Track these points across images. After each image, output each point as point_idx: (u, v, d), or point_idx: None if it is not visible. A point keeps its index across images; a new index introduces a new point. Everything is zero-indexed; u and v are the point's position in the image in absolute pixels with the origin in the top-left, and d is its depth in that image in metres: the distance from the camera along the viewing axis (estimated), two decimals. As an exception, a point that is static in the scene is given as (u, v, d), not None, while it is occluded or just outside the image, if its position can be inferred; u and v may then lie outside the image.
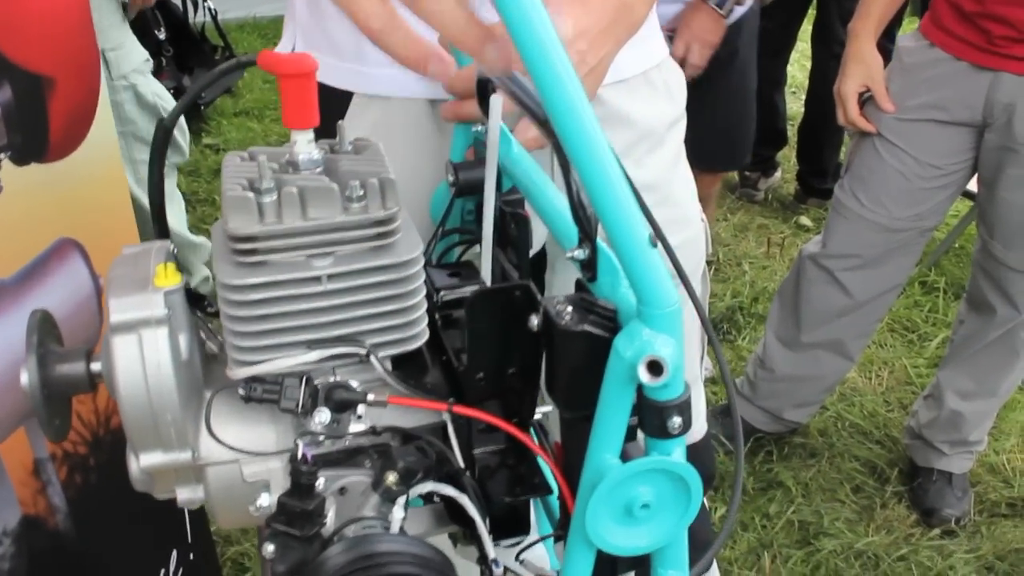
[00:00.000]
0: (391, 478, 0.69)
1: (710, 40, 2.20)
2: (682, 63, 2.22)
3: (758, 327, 2.91)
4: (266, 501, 0.75)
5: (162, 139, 0.82)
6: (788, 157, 3.87)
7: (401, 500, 0.67)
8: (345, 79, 1.10)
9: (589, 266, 0.68)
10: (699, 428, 1.38)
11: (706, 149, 2.51)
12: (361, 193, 0.74)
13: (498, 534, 0.80)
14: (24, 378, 0.75)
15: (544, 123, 0.69)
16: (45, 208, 1.19)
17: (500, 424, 0.73)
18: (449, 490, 0.72)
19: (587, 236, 0.67)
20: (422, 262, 0.77)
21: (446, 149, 1.04)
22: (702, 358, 1.36)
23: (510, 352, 0.73)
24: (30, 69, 1.13)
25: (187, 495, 0.81)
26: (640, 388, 0.63)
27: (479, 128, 0.94)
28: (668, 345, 0.60)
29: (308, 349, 0.75)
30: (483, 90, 0.88)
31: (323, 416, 0.74)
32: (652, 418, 0.63)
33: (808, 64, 3.64)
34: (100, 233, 1.28)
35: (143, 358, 0.72)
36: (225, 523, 0.81)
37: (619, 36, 0.96)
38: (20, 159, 1.14)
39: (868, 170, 2.05)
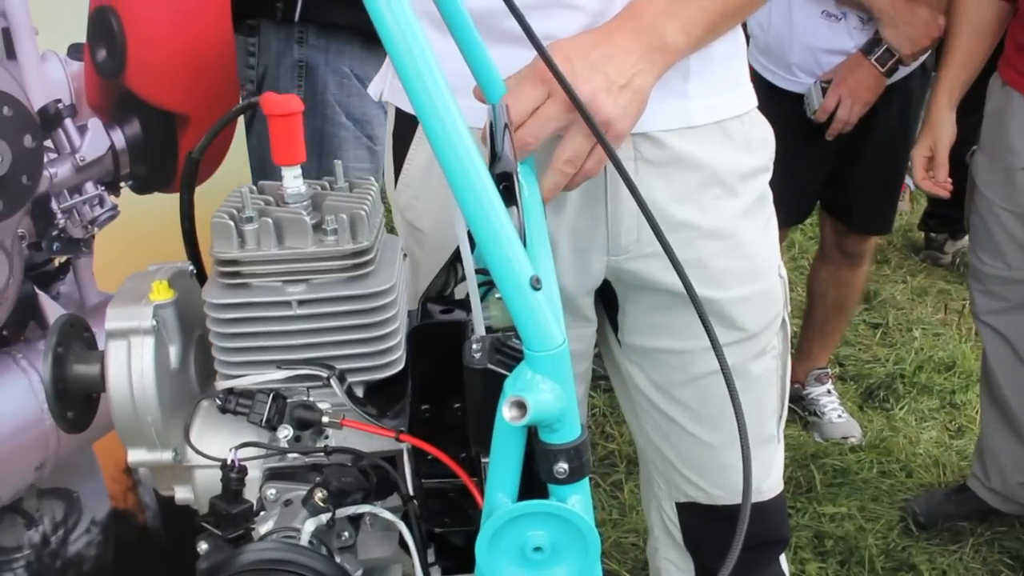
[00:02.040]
0: (318, 495, 0.73)
1: (865, 97, 2.11)
2: (831, 117, 2.14)
3: (920, 398, 2.72)
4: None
5: (191, 170, 0.90)
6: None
7: (313, 520, 0.71)
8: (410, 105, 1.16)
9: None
10: (770, 487, 1.33)
11: (857, 211, 2.41)
12: (335, 227, 0.79)
13: (453, 567, 0.82)
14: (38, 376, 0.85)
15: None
16: (164, 235, 1.32)
17: (438, 455, 0.75)
18: (385, 513, 0.75)
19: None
20: (394, 295, 0.81)
21: None
22: (780, 418, 1.31)
23: (451, 386, 0.75)
24: (162, 106, 1.27)
25: (183, 494, 0.88)
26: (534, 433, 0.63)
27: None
28: (545, 388, 0.60)
29: (277, 368, 0.80)
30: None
31: (285, 432, 0.79)
32: (541, 461, 0.64)
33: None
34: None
35: (129, 363, 0.79)
36: (215, 523, 0.88)
37: (645, 55, 0.97)
38: (142, 188, 1.28)
39: (976, 227, 1.98)
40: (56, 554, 1.24)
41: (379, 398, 0.83)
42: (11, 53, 1.08)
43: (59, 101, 1.14)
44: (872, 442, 2.55)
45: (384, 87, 1.21)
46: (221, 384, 0.81)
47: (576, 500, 0.65)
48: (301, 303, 0.79)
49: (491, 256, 0.60)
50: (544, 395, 0.60)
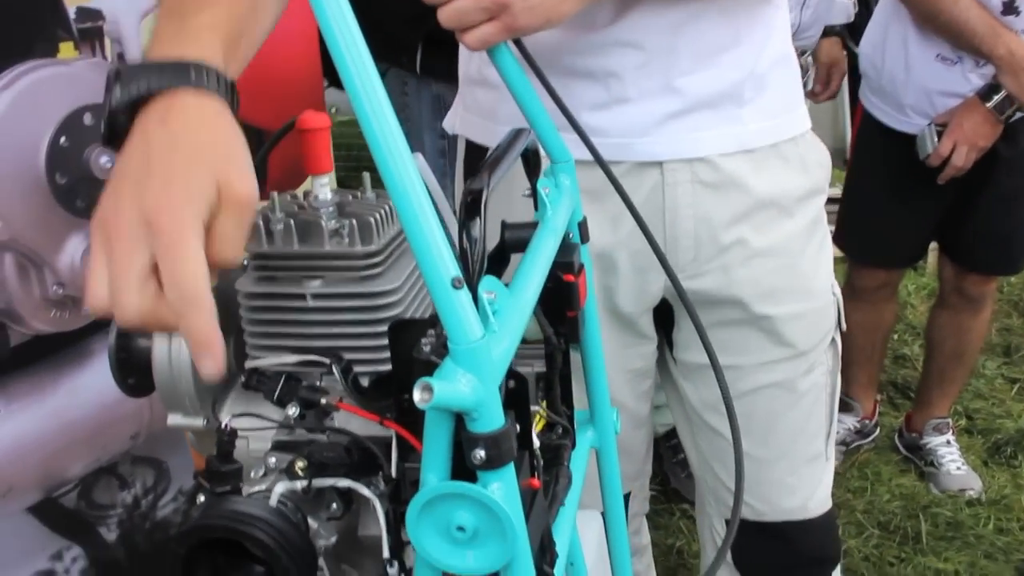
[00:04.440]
0: (298, 464, 0.82)
1: (980, 144, 2.04)
2: (945, 161, 2.08)
3: (1050, 454, 2.57)
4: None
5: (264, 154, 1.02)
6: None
7: (284, 483, 0.80)
8: (482, 135, 1.26)
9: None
10: (817, 505, 1.34)
11: (977, 251, 2.33)
12: (348, 230, 0.89)
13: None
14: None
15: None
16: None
17: (410, 439, 0.83)
18: (361, 488, 0.83)
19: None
20: (399, 296, 0.90)
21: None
22: (829, 435, 1.32)
23: (430, 379, 0.82)
24: (251, 123, 1.42)
25: (220, 461, 1.00)
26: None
27: (524, 193, 1.04)
28: (463, 379, 0.67)
29: (292, 354, 0.90)
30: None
31: (293, 409, 0.89)
32: (465, 447, 0.70)
33: None
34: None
35: (169, 340, 0.92)
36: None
37: None
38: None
39: None
40: (145, 516, 1.40)
41: (383, 391, 0.92)
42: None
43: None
44: (992, 497, 2.45)
45: (456, 121, 1.32)
46: (248, 364, 0.92)
47: (497, 487, 0.71)
48: (315, 296, 0.89)
49: (418, 255, 0.66)
50: (459, 385, 0.66)
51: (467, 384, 0.67)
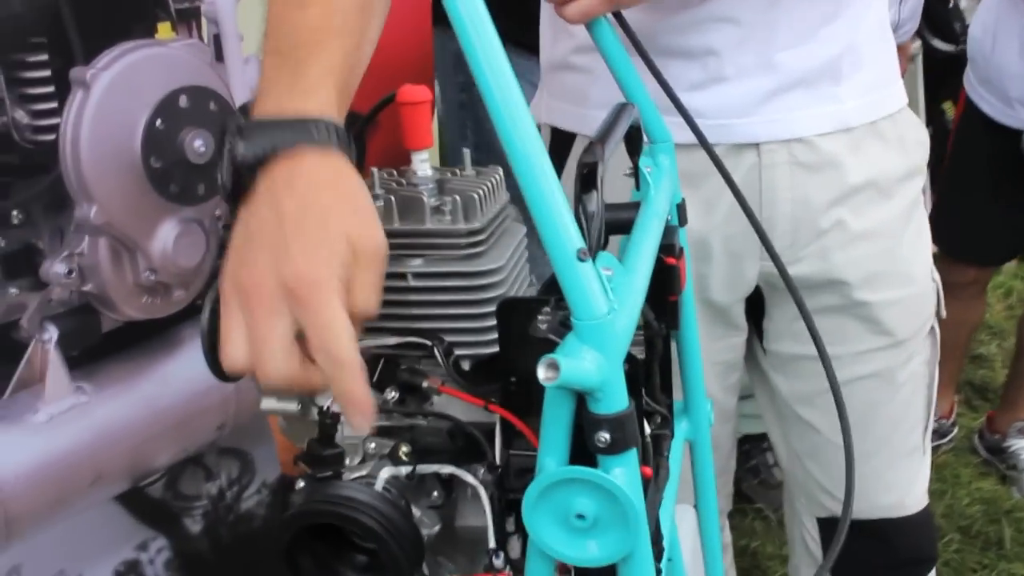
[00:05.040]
0: (403, 449, 0.79)
1: None
2: None
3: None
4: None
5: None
6: None
7: (389, 468, 0.76)
8: (570, 121, 1.22)
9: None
10: (913, 502, 1.29)
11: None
12: (450, 207, 0.85)
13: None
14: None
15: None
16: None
17: (518, 424, 0.79)
18: (464, 475, 0.80)
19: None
20: (502, 276, 0.86)
21: None
22: (927, 428, 1.26)
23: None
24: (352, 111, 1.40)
25: (313, 448, 0.97)
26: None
27: (626, 173, 1.00)
28: (587, 356, 0.63)
29: (391, 336, 0.87)
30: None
31: (392, 394, 0.86)
32: (587, 430, 0.66)
33: None
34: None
35: (265, 319, 0.89)
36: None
37: None
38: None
39: None
40: (230, 508, 1.38)
41: (486, 375, 0.88)
42: (220, 56, 1.24)
43: (259, 100, 1.29)
44: None
45: (542, 110, 1.29)
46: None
47: (620, 473, 0.66)
48: (416, 276, 0.86)
49: (541, 227, 0.63)
50: (584, 363, 0.63)
51: (592, 362, 0.63)
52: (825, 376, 1.19)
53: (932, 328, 1.26)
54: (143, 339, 1.23)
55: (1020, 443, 2.47)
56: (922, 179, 1.21)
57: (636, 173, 0.97)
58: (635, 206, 0.96)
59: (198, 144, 1.20)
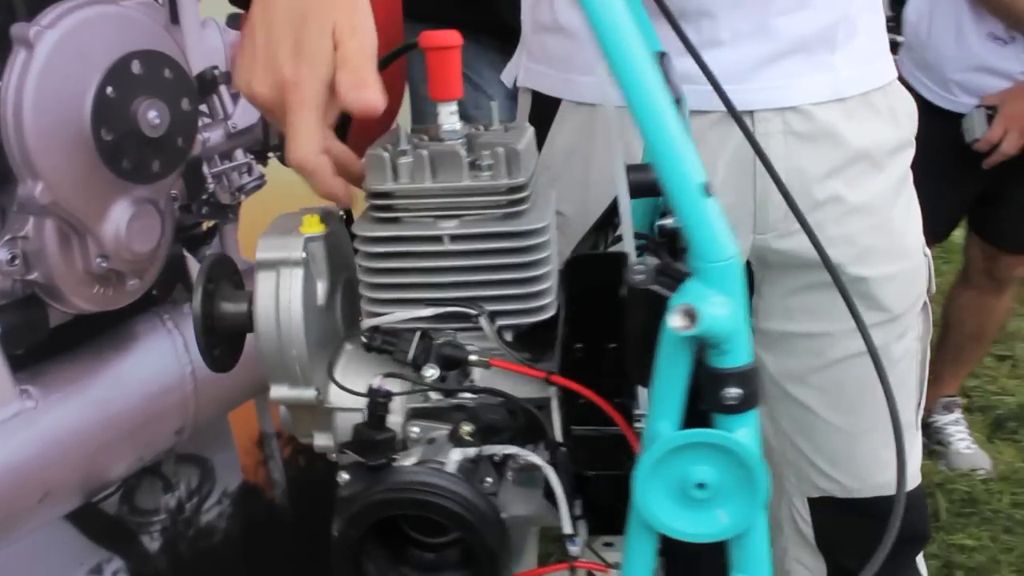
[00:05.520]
0: (466, 428, 0.70)
1: None
2: (995, 146, 2.03)
3: (1050, 429, 2.59)
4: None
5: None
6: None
7: (459, 450, 0.68)
8: (555, 86, 1.15)
9: (676, 236, 0.65)
10: (909, 478, 1.27)
11: (1010, 232, 2.27)
12: (490, 162, 0.77)
13: (594, 528, 0.77)
14: (189, 308, 0.85)
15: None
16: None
17: (593, 397, 0.71)
18: (531, 456, 0.71)
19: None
20: (548, 236, 0.78)
21: None
22: (919, 405, 1.25)
23: (607, 325, 0.71)
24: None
25: (321, 441, 0.86)
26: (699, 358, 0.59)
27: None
28: (717, 301, 0.56)
29: (427, 306, 0.78)
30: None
31: (432, 371, 0.76)
32: (709, 387, 0.59)
33: None
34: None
35: (277, 294, 0.78)
36: (350, 473, 0.86)
37: None
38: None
39: None
40: (190, 522, 1.25)
41: (527, 345, 0.80)
42: (175, 19, 1.11)
43: (215, 67, 1.17)
44: (1004, 473, 2.45)
45: (519, 72, 1.21)
46: (368, 322, 0.79)
47: (744, 434, 0.60)
48: (453, 239, 0.77)
49: (663, 162, 0.57)
50: (715, 308, 0.56)
51: (724, 307, 0.56)
52: (818, 353, 1.17)
53: (924, 304, 1.25)
54: (94, 335, 1.09)
55: (945, 419, 2.54)
56: (911, 152, 1.20)
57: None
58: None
59: (152, 115, 1.07)
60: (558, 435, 0.75)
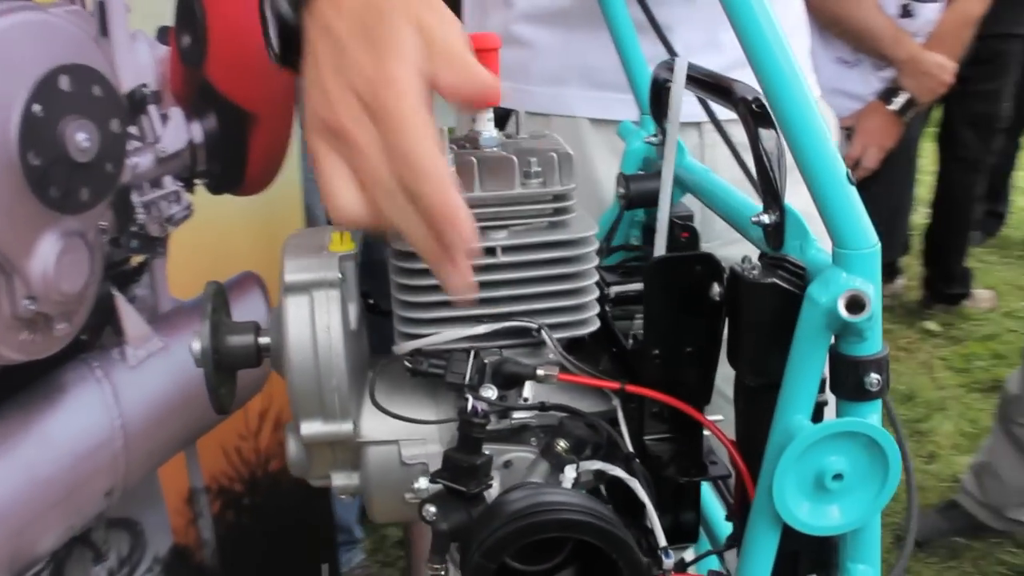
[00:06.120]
0: (562, 444, 0.66)
1: (886, 144, 2.16)
2: (856, 163, 2.19)
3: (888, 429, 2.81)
4: (424, 484, 0.72)
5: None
6: (909, 264, 3.85)
7: (571, 467, 0.64)
8: (509, 97, 1.14)
9: (776, 231, 0.65)
10: None
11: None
12: (539, 169, 0.74)
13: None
14: (196, 345, 0.76)
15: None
16: (232, 239, 1.24)
17: (676, 404, 0.69)
18: (618, 471, 0.68)
19: (775, 199, 0.65)
20: (596, 243, 0.76)
21: (606, 167, 1.06)
22: None
23: (688, 328, 0.69)
24: (238, 103, 1.20)
25: (342, 481, 0.79)
26: (832, 348, 0.59)
27: (651, 140, 0.94)
28: (868, 286, 0.56)
29: (478, 323, 0.73)
30: (657, 91, 0.89)
31: (489, 392, 0.71)
32: (847, 376, 0.58)
33: (925, 176, 3.58)
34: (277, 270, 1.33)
35: (313, 320, 0.71)
36: (379, 514, 0.79)
37: None
38: (215, 188, 1.21)
39: None
40: (118, 595, 1.11)
41: (584, 354, 0.77)
42: (104, 30, 1.01)
43: (145, 85, 1.07)
44: None
45: None
46: (407, 345, 0.74)
47: (876, 420, 0.60)
48: (505, 250, 0.73)
49: (805, 153, 0.56)
50: (872, 293, 0.56)
51: (872, 293, 0.56)
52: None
53: None
54: (19, 388, 0.96)
55: None
56: None
57: (663, 137, 0.91)
58: (660, 175, 0.91)
59: (81, 137, 0.96)
60: (629, 446, 0.72)
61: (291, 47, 0.62)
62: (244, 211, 1.25)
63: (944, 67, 2.11)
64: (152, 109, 1.07)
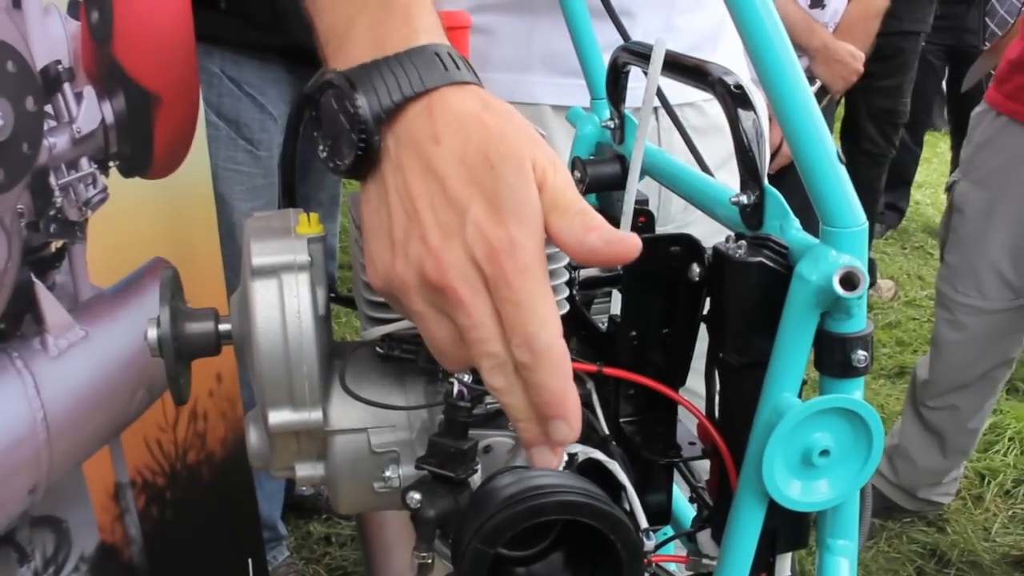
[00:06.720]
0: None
1: None
2: (776, 151, 2.23)
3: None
4: (394, 473, 0.71)
5: (299, 108, 0.81)
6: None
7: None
8: None
9: (755, 211, 0.66)
10: None
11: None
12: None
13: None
14: (152, 333, 0.72)
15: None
16: (144, 224, 1.18)
17: (654, 385, 0.70)
18: (598, 454, 0.68)
19: (755, 179, 0.66)
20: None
21: (568, 153, 1.06)
22: None
23: (666, 309, 0.70)
24: (142, 83, 1.14)
25: (307, 472, 0.76)
26: (818, 326, 0.60)
27: (607, 125, 0.94)
28: (856, 264, 0.57)
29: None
30: (616, 76, 0.89)
31: (465, 376, 0.71)
32: (834, 353, 0.60)
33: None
34: (190, 254, 1.28)
35: (283, 304, 0.69)
36: (345, 506, 0.77)
37: None
38: (127, 171, 1.15)
39: (954, 255, 2.03)
40: (43, 598, 1.05)
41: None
42: (17, 2, 0.94)
43: (59, 62, 1.00)
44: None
45: None
46: (377, 330, 0.72)
47: (859, 395, 0.62)
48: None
49: (799, 133, 0.57)
50: (861, 271, 0.57)
51: (860, 271, 0.58)
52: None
53: None
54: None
55: None
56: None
57: (621, 123, 0.91)
58: (617, 159, 0.91)
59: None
60: (605, 428, 0.72)
61: (364, 160, 0.54)
62: (154, 195, 1.20)
63: (855, 56, 2.18)
64: (67, 87, 1.00)
